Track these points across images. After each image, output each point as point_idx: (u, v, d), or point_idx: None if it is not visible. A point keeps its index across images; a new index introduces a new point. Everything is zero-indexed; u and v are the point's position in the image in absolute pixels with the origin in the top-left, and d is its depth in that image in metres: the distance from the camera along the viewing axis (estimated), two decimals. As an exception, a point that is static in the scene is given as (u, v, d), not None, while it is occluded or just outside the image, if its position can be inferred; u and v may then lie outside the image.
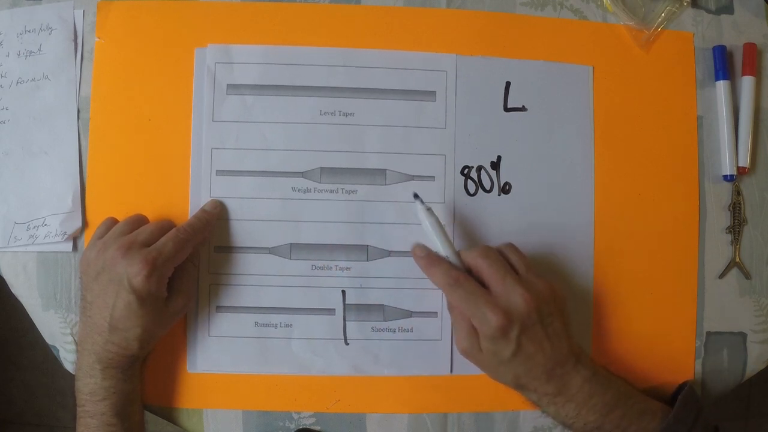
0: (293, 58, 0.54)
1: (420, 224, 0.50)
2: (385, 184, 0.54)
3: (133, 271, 0.45)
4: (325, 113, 0.54)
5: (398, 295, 0.53)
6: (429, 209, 0.49)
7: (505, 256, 0.48)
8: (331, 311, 0.53)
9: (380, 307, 0.53)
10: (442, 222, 0.49)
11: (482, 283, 0.46)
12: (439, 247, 0.48)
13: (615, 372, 0.49)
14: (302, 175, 0.54)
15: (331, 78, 0.54)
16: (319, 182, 0.53)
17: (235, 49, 0.54)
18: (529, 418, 0.54)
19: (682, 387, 0.50)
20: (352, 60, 0.54)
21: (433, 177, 0.54)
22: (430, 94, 0.54)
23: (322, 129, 0.54)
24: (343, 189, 0.53)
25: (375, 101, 0.54)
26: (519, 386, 0.46)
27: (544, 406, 0.47)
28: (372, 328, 0.53)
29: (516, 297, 0.44)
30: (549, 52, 0.55)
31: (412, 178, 0.54)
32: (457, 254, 0.48)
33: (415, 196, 0.50)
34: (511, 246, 0.50)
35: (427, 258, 0.48)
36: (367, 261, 0.53)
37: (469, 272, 0.47)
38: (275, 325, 0.53)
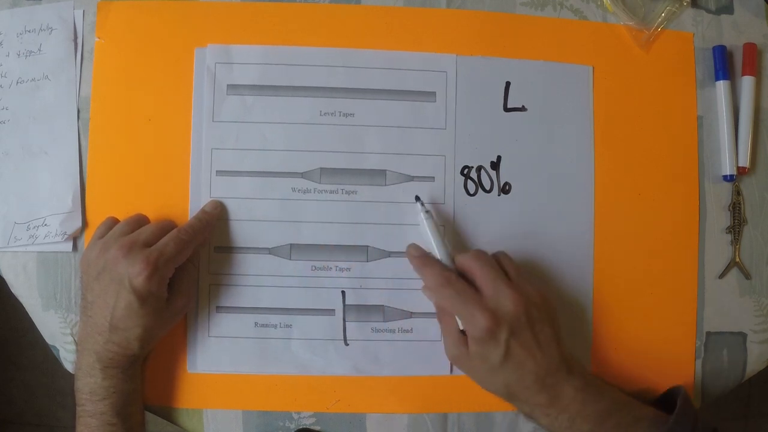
0: (293, 58, 0.54)
1: (418, 225, 0.51)
2: (385, 185, 0.54)
3: (134, 272, 0.45)
4: (324, 113, 0.54)
5: (398, 295, 0.53)
6: (428, 212, 0.51)
7: (498, 261, 0.48)
8: (330, 312, 0.53)
9: (380, 308, 0.53)
10: (442, 223, 0.50)
11: (474, 288, 0.46)
12: (435, 249, 0.49)
13: (614, 372, 0.50)
14: (302, 175, 0.53)
15: (330, 78, 0.54)
16: (319, 183, 0.53)
17: (235, 49, 0.54)
18: (529, 419, 0.54)
19: (671, 391, 0.49)
20: (351, 60, 0.54)
21: (433, 177, 0.54)
22: (429, 95, 0.54)
23: (322, 129, 0.54)
24: (342, 189, 0.53)
25: (375, 102, 0.54)
26: (510, 396, 0.46)
27: (537, 417, 0.46)
28: (372, 329, 0.53)
29: (505, 299, 0.45)
30: (549, 52, 0.55)
31: (411, 178, 0.54)
32: (451, 258, 0.49)
33: (417, 198, 0.52)
34: (504, 253, 0.50)
35: (421, 258, 0.49)
36: (367, 262, 0.53)
37: (462, 277, 0.47)
38: (275, 326, 0.53)
